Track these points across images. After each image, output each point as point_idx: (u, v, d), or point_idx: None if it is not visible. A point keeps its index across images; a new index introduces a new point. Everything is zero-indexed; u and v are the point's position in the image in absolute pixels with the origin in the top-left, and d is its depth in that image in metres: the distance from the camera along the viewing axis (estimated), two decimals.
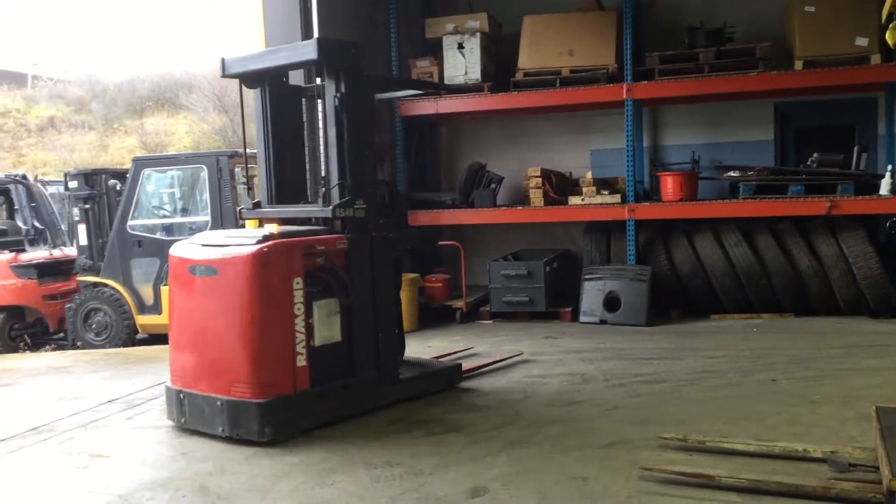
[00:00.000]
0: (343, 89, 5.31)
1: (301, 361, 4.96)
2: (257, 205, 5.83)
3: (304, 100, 6.22)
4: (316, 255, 5.10)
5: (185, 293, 5.21)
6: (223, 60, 5.66)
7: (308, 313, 5.01)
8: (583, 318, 8.78)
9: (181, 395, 5.16)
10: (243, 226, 6.48)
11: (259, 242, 4.88)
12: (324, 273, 5.18)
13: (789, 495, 3.66)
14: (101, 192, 9.89)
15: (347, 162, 5.36)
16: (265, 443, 4.78)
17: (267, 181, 5.78)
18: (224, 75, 5.73)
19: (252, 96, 5.89)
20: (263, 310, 4.84)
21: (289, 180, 5.87)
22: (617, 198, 9.17)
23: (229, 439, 4.91)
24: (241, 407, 4.84)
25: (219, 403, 4.91)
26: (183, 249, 5.29)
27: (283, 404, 4.86)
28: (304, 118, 6.21)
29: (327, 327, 5.15)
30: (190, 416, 5.12)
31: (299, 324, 4.94)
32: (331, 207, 5.28)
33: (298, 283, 4.94)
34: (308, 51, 5.32)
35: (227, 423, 4.89)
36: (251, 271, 4.83)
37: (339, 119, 5.33)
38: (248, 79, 5.76)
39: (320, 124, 5.61)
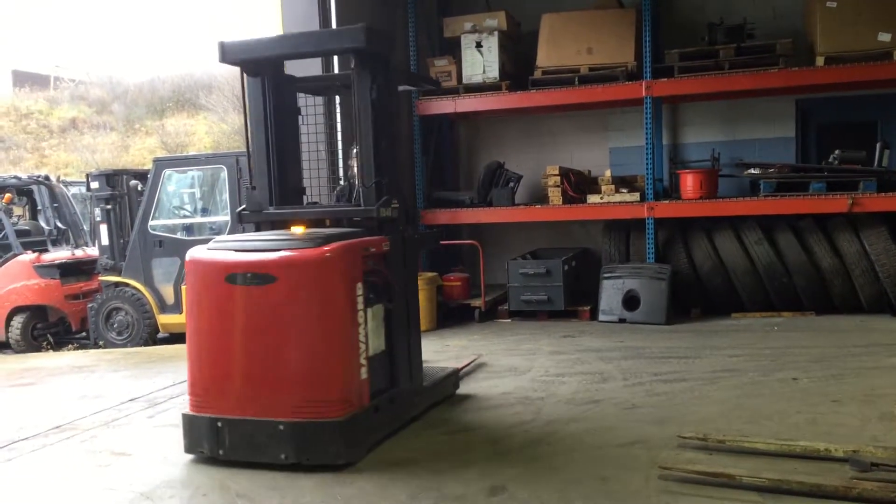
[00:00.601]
0: (380, 81, 4.95)
1: (364, 374, 4.52)
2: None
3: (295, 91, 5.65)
4: (369, 257, 4.70)
5: (222, 306, 4.53)
6: (222, 44, 5.07)
7: (365, 321, 4.60)
8: (602, 317, 8.75)
9: (218, 424, 4.49)
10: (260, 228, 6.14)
11: (319, 245, 4.40)
12: (371, 277, 4.77)
13: (811, 495, 3.62)
14: (123, 192, 9.99)
15: (384, 158, 5.02)
16: (341, 466, 4.36)
17: (269, 180, 5.23)
18: (224, 60, 5.13)
19: (248, 88, 5.24)
20: (334, 318, 4.41)
21: (290, 179, 5.44)
22: (636, 196, 9.12)
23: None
24: (310, 428, 4.35)
25: (280, 427, 4.36)
26: (213, 255, 4.60)
27: (355, 421, 4.42)
28: (325, 112, 5.92)
29: (377, 335, 4.75)
30: (232, 446, 4.48)
31: (361, 333, 4.51)
32: (374, 207, 4.92)
33: (360, 288, 4.50)
34: (354, 38, 4.83)
35: (291, 448, 4.34)
36: (323, 276, 4.37)
37: (377, 113, 4.95)
38: (252, 66, 5.18)
39: (339, 118, 5.35)
